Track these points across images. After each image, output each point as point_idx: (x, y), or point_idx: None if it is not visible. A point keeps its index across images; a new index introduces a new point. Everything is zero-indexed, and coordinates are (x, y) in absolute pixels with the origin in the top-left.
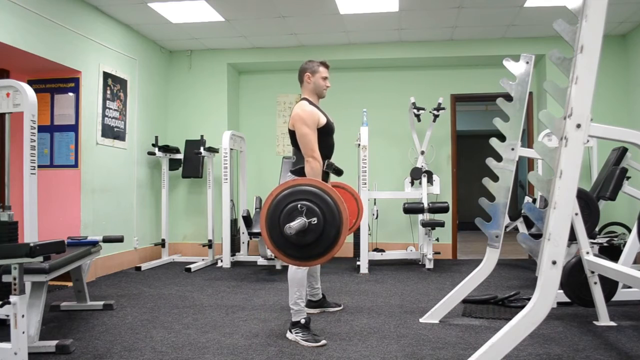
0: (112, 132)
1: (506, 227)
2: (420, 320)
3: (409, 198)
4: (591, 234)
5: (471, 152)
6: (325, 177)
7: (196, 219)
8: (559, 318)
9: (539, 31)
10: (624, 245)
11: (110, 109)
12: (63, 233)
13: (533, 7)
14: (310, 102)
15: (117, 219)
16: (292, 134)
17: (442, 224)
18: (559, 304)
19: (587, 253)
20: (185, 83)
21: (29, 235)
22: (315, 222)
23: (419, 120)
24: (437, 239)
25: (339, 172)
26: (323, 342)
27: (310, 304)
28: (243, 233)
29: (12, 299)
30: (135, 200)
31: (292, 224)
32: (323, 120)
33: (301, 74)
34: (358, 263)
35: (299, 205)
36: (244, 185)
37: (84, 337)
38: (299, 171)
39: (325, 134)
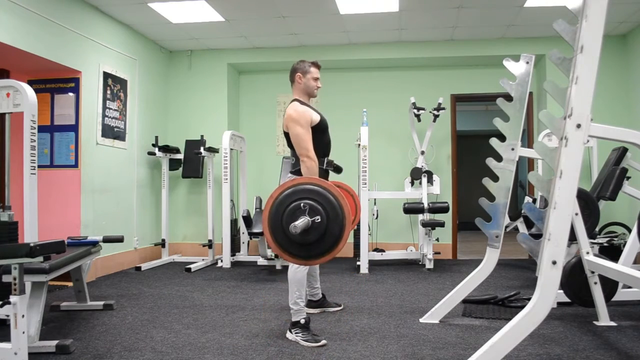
0: (112, 132)
1: (506, 227)
2: (421, 320)
3: (409, 198)
4: (591, 234)
5: (471, 152)
6: (325, 175)
7: (196, 219)
8: (559, 318)
9: (539, 31)
10: (624, 245)
11: (110, 109)
12: (63, 233)
13: (533, 7)
14: (302, 102)
15: (117, 219)
16: (287, 135)
17: (442, 224)
18: (559, 304)
19: (587, 253)
20: (185, 83)
21: (29, 235)
22: (319, 220)
23: (419, 120)
24: (437, 239)
25: (338, 170)
26: (323, 342)
27: (310, 303)
28: (243, 233)
29: (12, 299)
30: (135, 200)
31: (296, 222)
32: (316, 118)
33: (292, 74)
34: (358, 263)
35: (301, 205)
36: (244, 185)
37: (84, 337)
38: (299, 172)
39: (320, 132)
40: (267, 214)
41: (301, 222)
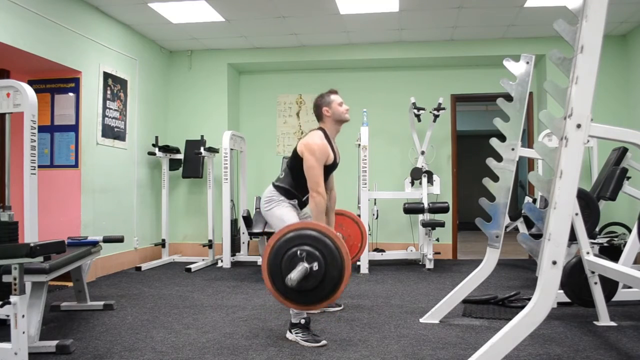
0: (112, 132)
1: (506, 227)
2: (421, 320)
3: (409, 198)
4: (591, 234)
5: (471, 152)
6: (304, 205)
7: (196, 219)
8: (559, 318)
9: (539, 31)
10: (624, 245)
11: (110, 109)
12: (63, 233)
13: (533, 7)
14: (326, 135)
15: (117, 219)
16: (296, 156)
17: (442, 224)
18: (559, 304)
19: (588, 253)
20: (185, 83)
21: (29, 235)
22: (317, 267)
23: (419, 120)
24: (437, 239)
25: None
26: (323, 342)
27: None
28: (243, 233)
29: (13, 299)
30: (135, 200)
31: (292, 275)
32: (331, 159)
33: (318, 110)
34: (358, 263)
35: (298, 252)
36: (244, 185)
37: (84, 337)
38: (282, 189)
39: (325, 171)
40: (266, 261)
41: (297, 273)
